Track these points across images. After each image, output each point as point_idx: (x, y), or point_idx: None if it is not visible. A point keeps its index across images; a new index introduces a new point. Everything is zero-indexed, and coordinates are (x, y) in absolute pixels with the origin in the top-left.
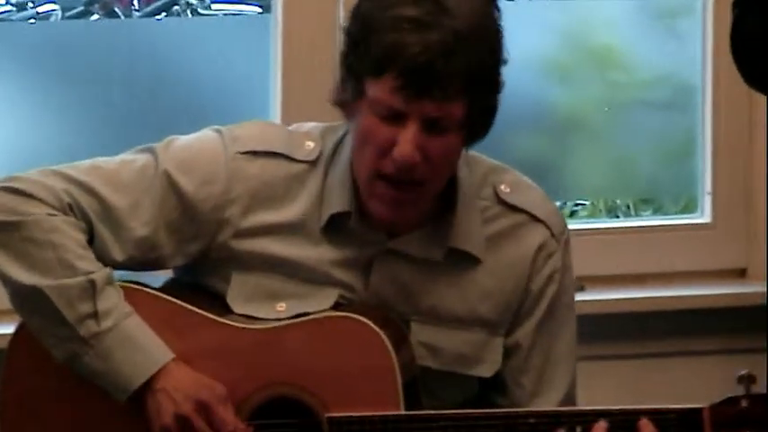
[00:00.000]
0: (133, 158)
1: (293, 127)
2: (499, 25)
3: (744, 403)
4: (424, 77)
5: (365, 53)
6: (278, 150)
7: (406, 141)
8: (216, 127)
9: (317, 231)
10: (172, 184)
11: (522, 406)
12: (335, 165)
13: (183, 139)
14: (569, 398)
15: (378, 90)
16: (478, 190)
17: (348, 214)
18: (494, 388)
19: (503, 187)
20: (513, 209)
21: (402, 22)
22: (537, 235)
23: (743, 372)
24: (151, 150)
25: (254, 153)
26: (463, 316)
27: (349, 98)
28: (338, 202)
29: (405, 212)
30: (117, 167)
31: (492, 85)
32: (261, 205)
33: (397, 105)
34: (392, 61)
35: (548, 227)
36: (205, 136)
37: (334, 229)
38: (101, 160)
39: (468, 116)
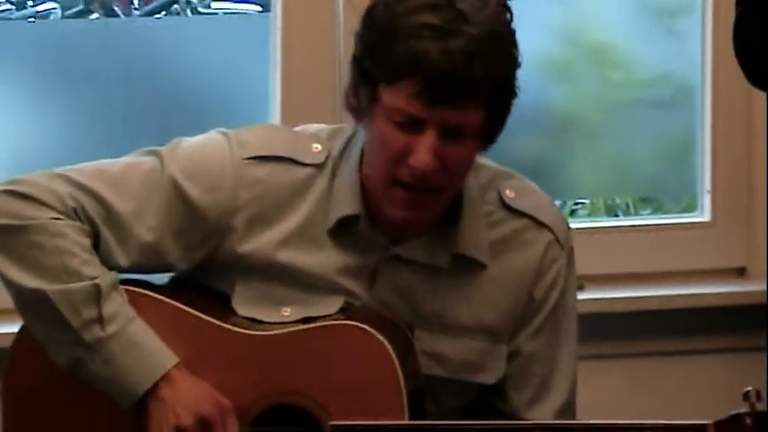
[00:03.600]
0: (138, 161)
1: (299, 129)
2: (513, 29)
3: (748, 420)
4: (443, 85)
5: (383, 59)
6: (285, 155)
7: (424, 149)
8: (222, 130)
9: (324, 234)
10: (177, 190)
11: (521, 412)
12: (343, 167)
13: (189, 143)
14: (569, 405)
15: (395, 97)
16: (483, 195)
17: (356, 217)
18: (494, 392)
19: (507, 192)
20: (518, 213)
21: (422, 29)
22: (541, 240)
23: (749, 388)
24: (157, 154)
25: (261, 158)
26: (468, 324)
27: (362, 103)
28: (347, 204)
29: (422, 215)
30: (122, 171)
31: (509, 91)
32: (267, 212)
33: (416, 112)
34: (412, 68)
35: (552, 232)
36: (211, 140)
37: (341, 232)
38: (106, 163)
39: (486, 123)
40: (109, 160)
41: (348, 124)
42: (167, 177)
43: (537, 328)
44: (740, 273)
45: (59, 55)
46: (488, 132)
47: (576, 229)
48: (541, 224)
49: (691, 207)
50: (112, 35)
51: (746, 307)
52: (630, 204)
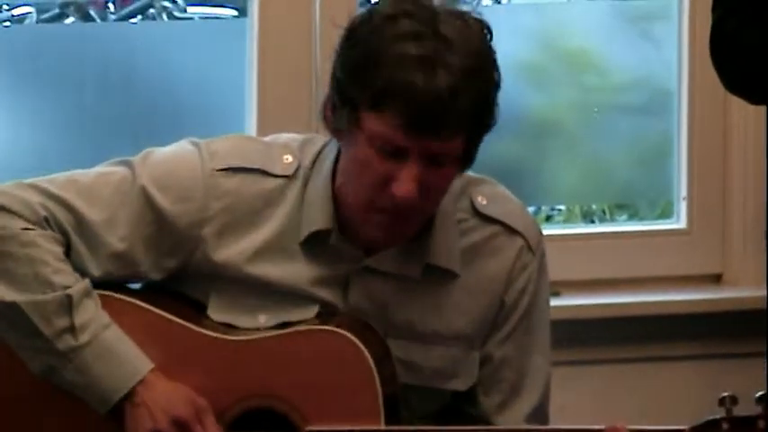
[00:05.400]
0: (110, 171)
1: (270, 138)
2: (493, 51)
3: (725, 426)
4: (428, 116)
5: (366, 85)
6: (255, 166)
7: (408, 179)
8: (193, 140)
9: (295, 246)
10: (148, 200)
11: (491, 416)
12: (315, 179)
13: (160, 153)
14: (539, 410)
15: (378, 124)
16: (456, 202)
17: (328, 231)
18: (465, 397)
19: (479, 199)
20: (489, 220)
21: (407, 60)
22: (513, 246)
23: (725, 394)
24: (128, 164)
25: (232, 169)
26: (440, 332)
27: (341, 124)
28: (318, 218)
29: (398, 236)
30: (93, 181)
31: (491, 115)
32: (238, 222)
33: (399, 142)
34: (397, 99)
35: (524, 238)
36: (182, 150)
37: (313, 244)
38: (77, 173)
39: (466, 146)
40: (80, 171)
41: (320, 134)
42: (138, 187)
43: (507, 333)
44: (716, 279)
45: (34, 59)
46: (468, 154)
47: (553, 235)
48: (513, 230)
49: (667, 213)
50: (88, 39)
51: (722, 314)
52: (606, 210)
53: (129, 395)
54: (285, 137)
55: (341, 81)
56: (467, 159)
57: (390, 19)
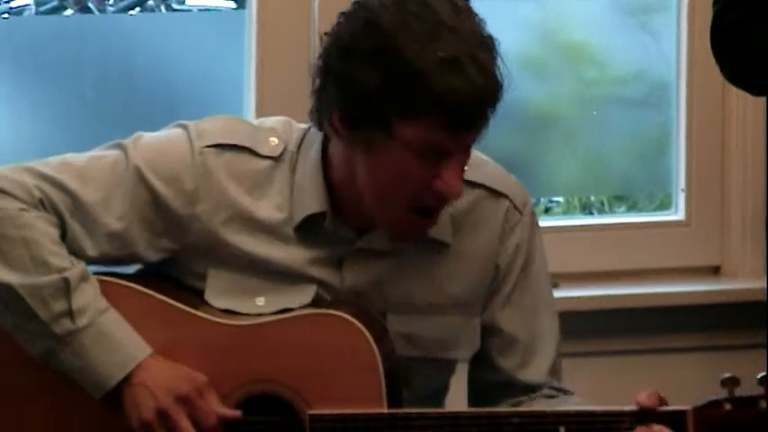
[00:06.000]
0: (103, 154)
1: (257, 122)
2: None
3: (727, 406)
4: (470, 114)
5: (397, 96)
6: (244, 144)
7: (454, 176)
8: (181, 122)
9: (290, 231)
10: (142, 179)
11: (515, 374)
12: (302, 162)
13: (150, 136)
14: (558, 363)
15: (418, 131)
16: None
17: (323, 214)
18: (481, 366)
19: None
20: (472, 185)
21: (441, 65)
22: (499, 209)
23: (726, 375)
24: (121, 146)
25: (221, 146)
26: (437, 301)
27: (364, 138)
28: (312, 202)
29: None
30: (87, 163)
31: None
32: (231, 198)
33: (443, 143)
34: (440, 104)
35: (509, 199)
36: (171, 133)
37: (307, 228)
38: (71, 157)
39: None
40: (74, 154)
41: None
42: (132, 167)
43: (507, 295)
44: (715, 271)
45: (33, 51)
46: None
47: (551, 227)
48: (497, 192)
49: (665, 205)
50: (87, 31)
51: (721, 305)
52: (605, 202)
53: (127, 380)
54: (270, 120)
55: (367, 98)
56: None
57: (401, 25)
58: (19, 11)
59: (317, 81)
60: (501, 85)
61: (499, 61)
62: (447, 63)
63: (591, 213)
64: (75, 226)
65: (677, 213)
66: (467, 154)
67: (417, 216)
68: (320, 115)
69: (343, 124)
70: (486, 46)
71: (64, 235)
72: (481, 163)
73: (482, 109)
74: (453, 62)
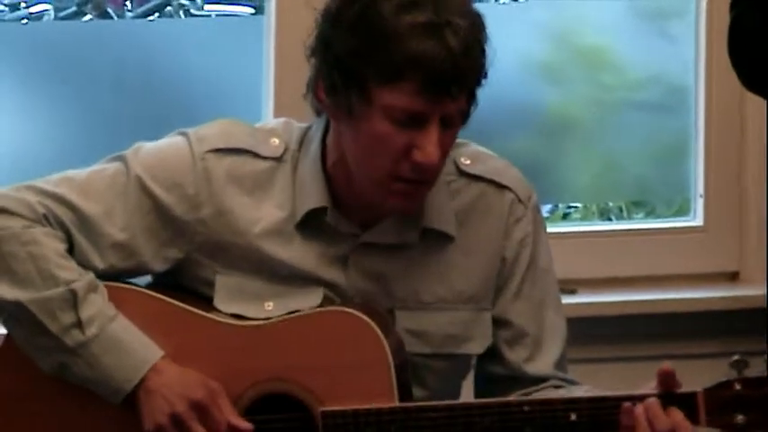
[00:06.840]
0: (103, 167)
1: (257, 125)
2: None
3: (737, 386)
4: (446, 79)
5: (376, 61)
6: (244, 147)
7: (431, 144)
8: (181, 130)
9: (292, 228)
10: (144, 189)
11: (522, 367)
12: (303, 160)
13: (150, 145)
14: (562, 359)
15: (395, 97)
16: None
17: (324, 209)
18: (487, 358)
19: (463, 159)
20: (476, 178)
21: (415, 29)
22: (503, 202)
23: (736, 356)
24: (121, 158)
25: (221, 150)
26: (445, 296)
27: (347, 105)
28: (313, 197)
29: (417, 204)
30: (88, 177)
31: (484, 70)
32: (234, 201)
33: (419, 108)
34: (413, 69)
35: (513, 192)
36: (171, 140)
37: (309, 225)
38: (72, 172)
39: (468, 103)
40: (74, 170)
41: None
42: (133, 177)
43: (517, 288)
44: (733, 277)
45: (52, 56)
46: (468, 110)
47: (569, 232)
48: (501, 186)
49: (683, 211)
50: (106, 37)
51: (739, 311)
52: (623, 208)
53: (142, 384)
54: (271, 122)
55: (343, 62)
56: (467, 115)
57: None
58: (38, 16)
59: (311, 60)
60: (481, 58)
61: (485, 37)
62: (423, 27)
63: (609, 219)
64: (80, 239)
65: (695, 219)
66: (449, 127)
67: (400, 184)
68: (312, 95)
69: (327, 94)
70: (468, 17)
71: (71, 249)
72: (485, 157)
73: (457, 74)
74: (430, 26)
